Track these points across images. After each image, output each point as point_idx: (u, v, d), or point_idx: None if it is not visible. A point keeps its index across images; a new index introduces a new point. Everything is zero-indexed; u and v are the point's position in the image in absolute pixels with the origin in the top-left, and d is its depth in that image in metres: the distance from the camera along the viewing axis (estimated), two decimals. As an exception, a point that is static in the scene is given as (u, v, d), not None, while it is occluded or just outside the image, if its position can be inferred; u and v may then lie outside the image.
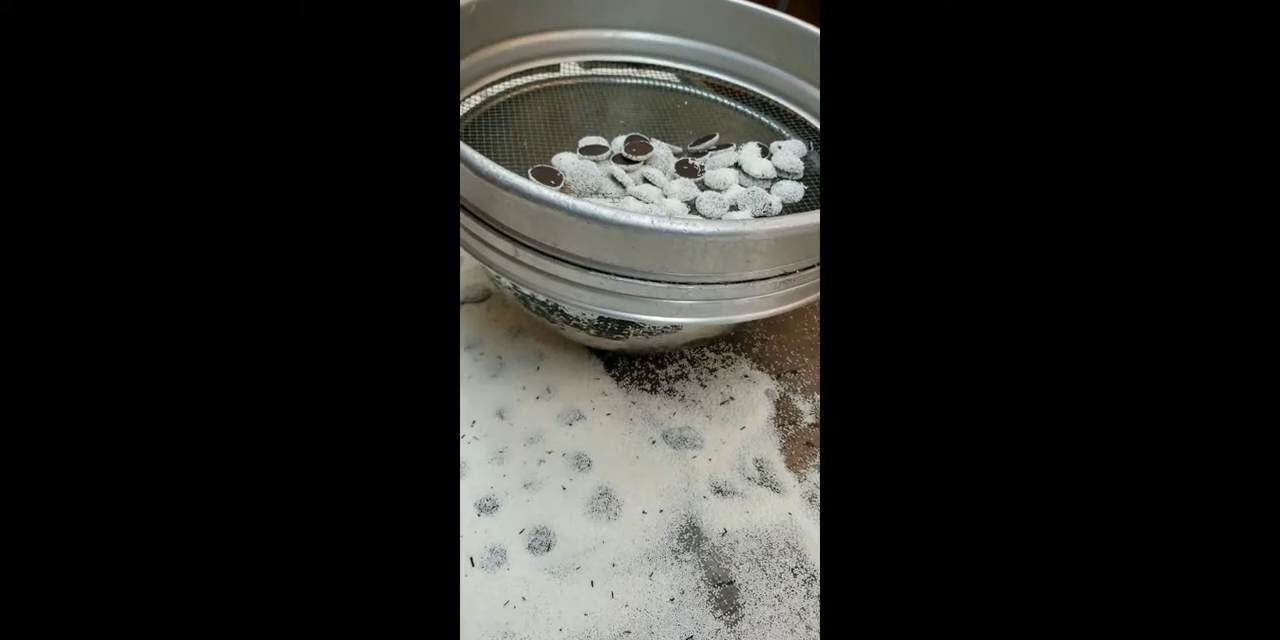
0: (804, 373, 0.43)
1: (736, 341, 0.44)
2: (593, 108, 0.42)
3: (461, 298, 0.43)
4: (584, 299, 0.29)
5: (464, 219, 0.29)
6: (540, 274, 0.28)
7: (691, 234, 0.25)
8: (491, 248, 0.29)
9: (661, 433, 0.38)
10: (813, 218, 0.26)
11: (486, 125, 0.39)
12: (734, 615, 0.31)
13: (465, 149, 0.26)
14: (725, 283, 0.28)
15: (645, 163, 0.37)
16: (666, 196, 0.35)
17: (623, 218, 0.25)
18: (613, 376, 0.40)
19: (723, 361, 0.42)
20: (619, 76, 0.45)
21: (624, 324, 0.33)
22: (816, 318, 0.47)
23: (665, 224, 0.25)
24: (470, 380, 0.38)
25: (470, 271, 0.45)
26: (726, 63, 0.44)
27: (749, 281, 0.28)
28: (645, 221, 0.25)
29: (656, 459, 0.36)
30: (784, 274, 0.29)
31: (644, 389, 0.40)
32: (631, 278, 0.27)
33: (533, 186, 0.25)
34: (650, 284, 0.28)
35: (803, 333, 0.46)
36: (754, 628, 0.31)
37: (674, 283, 0.28)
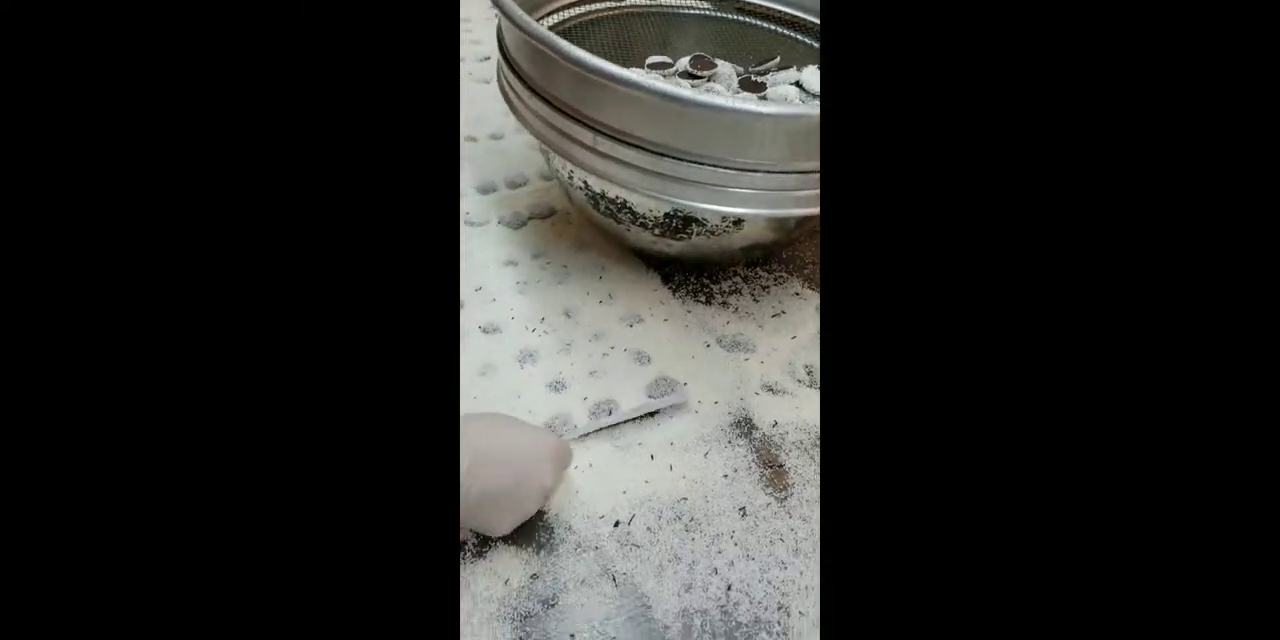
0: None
1: (790, 263, 0.46)
2: (658, 34, 0.44)
3: (528, 214, 0.46)
4: (654, 187, 0.31)
5: (547, 111, 0.32)
6: (617, 162, 0.31)
7: (762, 114, 0.27)
8: (571, 139, 0.32)
9: (716, 338, 0.40)
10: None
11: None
12: (784, 493, 0.33)
13: (554, 38, 0.29)
14: (788, 172, 0.30)
15: (709, 79, 0.38)
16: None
17: (699, 97, 0.27)
18: (669, 288, 0.42)
19: (775, 280, 0.44)
20: (683, 7, 0.47)
21: (688, 221, 0.35)
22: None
23: (738, 104, 0.27)
24: (539, 284, 0.41)
25: (537, 191, 0.48)
26: (788, -8, 0.46)
27: (809, 173, 0.30)
28: (719, 101, 0.27)
29: (712, 359, 0.38)
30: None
31: (699, 301, 0.42)
32: (701, 163, 0.29)
33: (617, 69, 0.27)
34: (720, 171, 0.30)
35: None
36: (803, 505, 0.33)
37: (742, 169, 0.29)
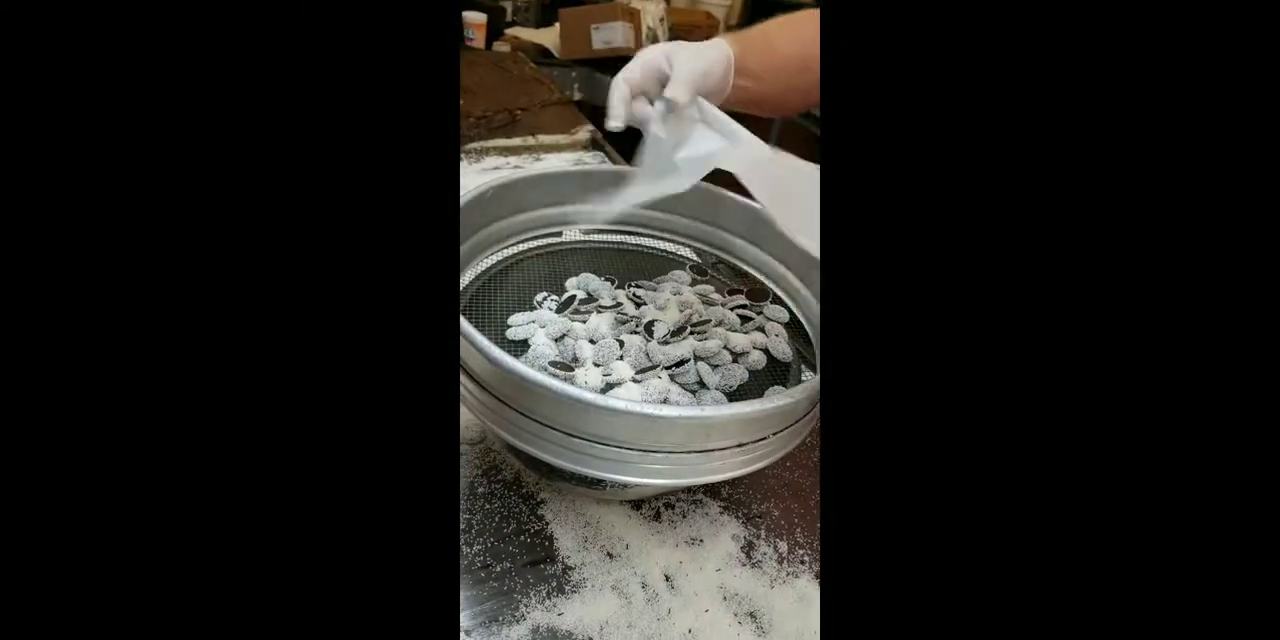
0: (770, 517, 0.46)
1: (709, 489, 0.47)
2: (589, 267, 0.49)
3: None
4: (570, 460, 0.33)
5: (467, 384, 0.34)
6: (537, 437, 0.33)
7: (657, 417, 0.30)
8: (490, 409, 0.34)
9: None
10: (770, 403, 0.31)
11: (495, 285, 0.45)
12: None
13: (469, 329, 0.31)
14: (688, 452, 0.32)
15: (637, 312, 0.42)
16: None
17: (602, 401, 0.30)
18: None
19: (694, 504, 0.46)
20: (614, 243, 0.52)
21: (601, 480, 0.37)
22: (778, 464, 0.51)
23: (634, 408, 0.30)
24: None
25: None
26: (706, 235, 0.51)
27: (710, 451, 0.33)
28: (619, 404, 0.29)
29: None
30: (740, 444, 0.33)
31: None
32: (608, 445, 0.32)
33: (535, 374, 0.30)
34: (625, 451, 0.32)
35: (767, 480, 0.49)
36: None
37: (645, 450, 0.32)
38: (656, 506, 0.45)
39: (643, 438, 0.31)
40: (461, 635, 0.36)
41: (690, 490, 0.47)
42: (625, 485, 0.38)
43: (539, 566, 0.40)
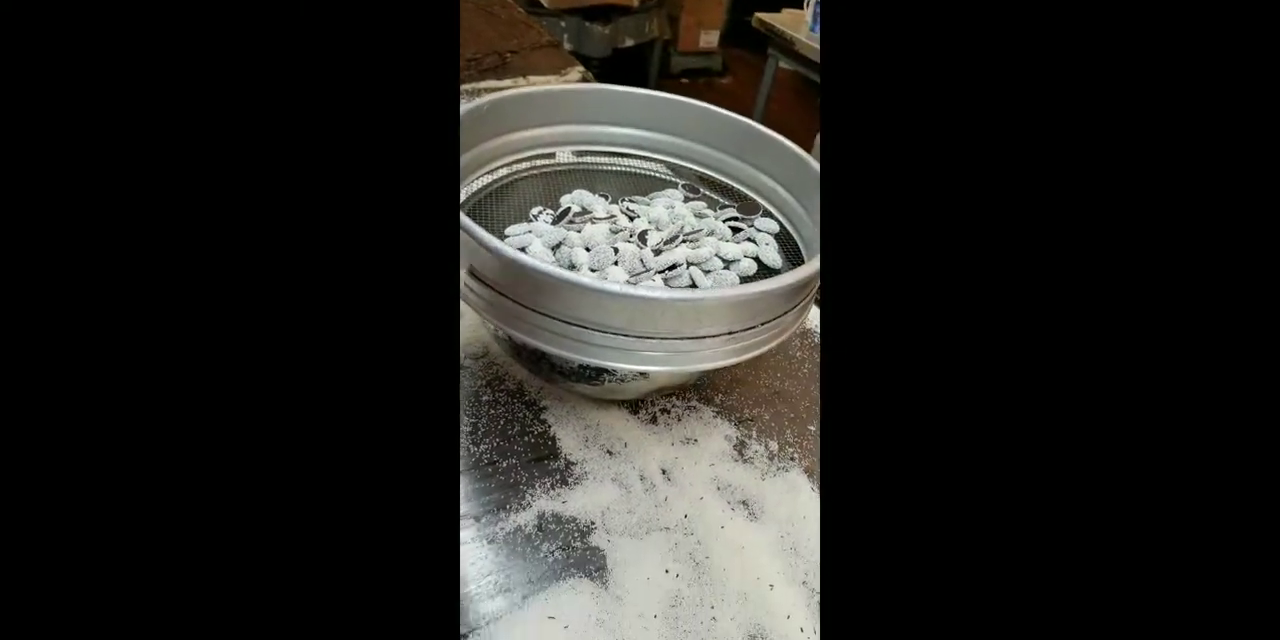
0: (760, 422, 0.48)
1: (700, 390, 0.50)
2: (583, 186, 0.50)
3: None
4: (568, 347, 0.35)
5: (469, 281, 0.36)
6: (536, 327, 0.35)
7: (650, 298, 0.31)
8: (491, 305, 0.35)
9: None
10: (756, 287, 0.33)
11: (491, 202, 0.46)
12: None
13: (469, 224, 0.33)
14: (682, 338, 0.34)
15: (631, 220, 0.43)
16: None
17: (596, 284, 0.31)
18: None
19: (688, 409, 0.48)
20: (606, 164, 0.53)
21: (600, 371, 0.39)
22: (768, 374, 0.53)
23: (629, 290, 0.31)
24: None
25: (471, 326, 0.51)
26: (696, 155, 0.52)
27: (703, 338, 0.35)
28: (613, 287, 0.31)
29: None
30: (730, 332, 0.35)
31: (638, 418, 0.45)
32: (605, 332, 0.34)
33: (528, 259, 0.32)
34: (622, 338, 0.34)
35: (758, 387, 0.51)
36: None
37: (640, 337, 0.34)
38: (653, 411, 0.47)
39: (637, 323, 0.33)
40: (471, 522, 0.39)
41: (684, 396, 0.49)
42: (622, 378, 0.40)
43: (543, 462, 0.43)
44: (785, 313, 0.38)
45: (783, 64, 1.75)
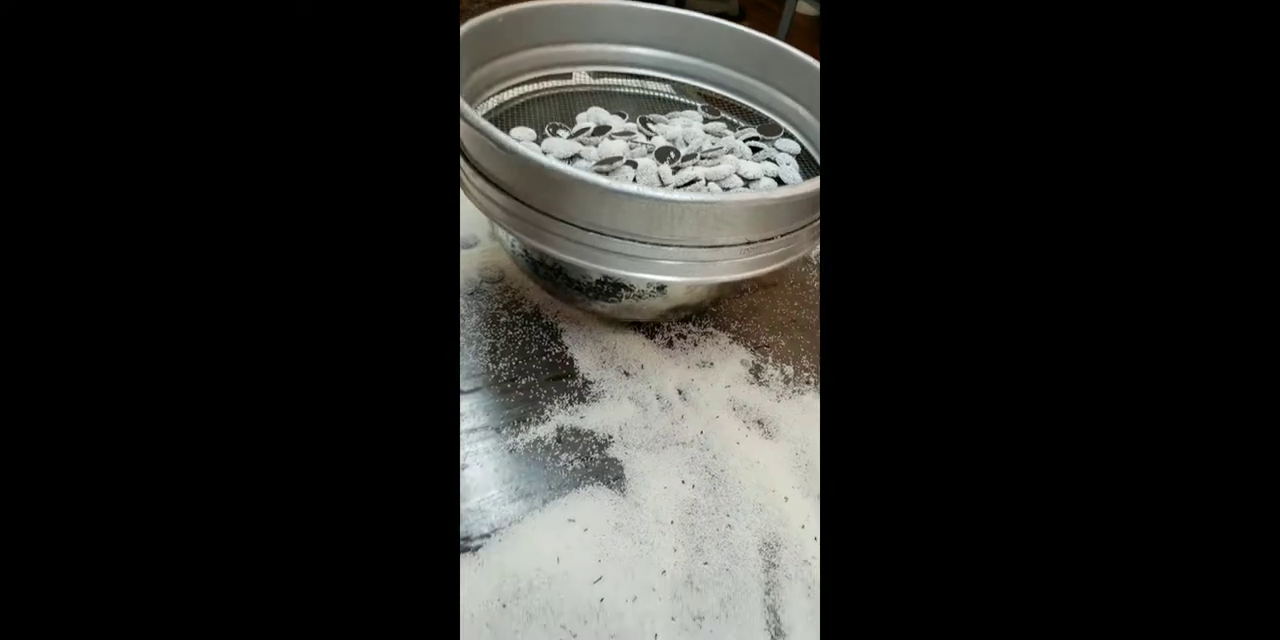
0: (775, 348, 0.48)
1: (717, 319, 0.50)
2: (600, 105, 0.49)
3: (480, 278, 0.49)
4: (584, 256, 0.34)
5: (490, 190, 0.36)
6: (551, 234, 0.34)
7: (669, 200, 0.31)
8: (511, 213, 0.35)
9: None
10: (776, 193, 0.32)
11: (505, 121, 0.46)
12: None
13: (485, 125, 0.32)
14: (700, 246, 0.34)
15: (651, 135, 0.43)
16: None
17: (614, 186, 0.31)
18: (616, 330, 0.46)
19: (704, 335, 0.48)
20: (645, 90, 0.52)
21: (618, 286, 0.39)
22: (785, 302, 0.53)
23: (647, 191, 0.31)
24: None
25: (488, 252, 0.51)
26: (716, 76, 0.51)
27: (721, 247, 0.34)
28: (630, 188, 0.31)
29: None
30: (748, 242, 0.35)
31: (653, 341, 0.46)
32: (622, 238, 0.33)
33: (545, 159, 0.31)
34: (639, 244, 0.33)
35: (774, 315, 0.51)
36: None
37: (658, 244, 0.33)
38: (669, 336, 0.47)
39: (654, 229, 0.33)
40: (492, 433, 0.40)
41: (700, 323, 0.49)
42: (639, 294, 0.40)
43: (561, 380, 0.43)
44: (804, 227, 0.37)
45: (800, 9, 1.69)
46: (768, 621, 0.33)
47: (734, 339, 0.48)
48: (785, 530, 0.37)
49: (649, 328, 0.48)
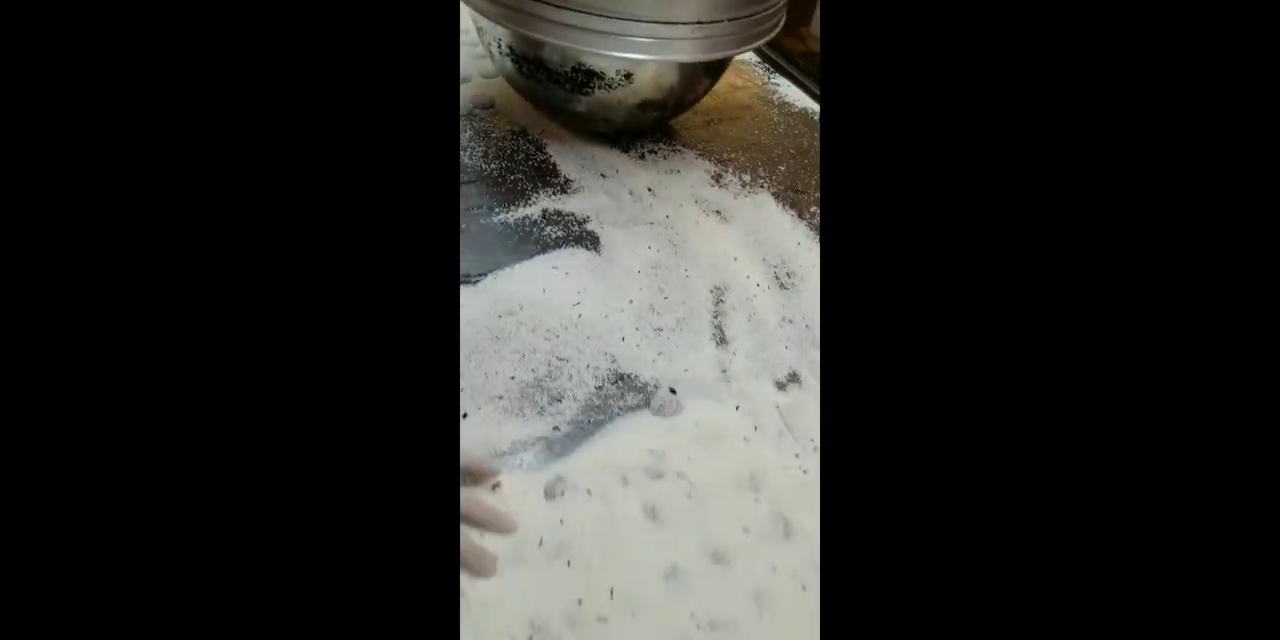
0: (735, 164, 0.55)
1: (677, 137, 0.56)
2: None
3: (472, 105, 0.55)
4: (560, 35, 0.41)
5: (476, -20, 0.41)
6: (530, 17, 0.41)
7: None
8: (501, 5, 0.41)
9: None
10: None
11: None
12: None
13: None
14: (670, 22, 0.40)
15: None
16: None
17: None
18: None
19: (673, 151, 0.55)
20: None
21: (590, 76, 0.45)
22: (746, 128, 0.59)
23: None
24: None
25: (478, 85, 0.57)
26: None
27: (674, 24, 0.40)
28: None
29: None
30: (699, 22, 0.41)
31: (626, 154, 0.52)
32: (593, 14, 0.39)
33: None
34: (612, 21, 0.40)
35: (735, 138, 0.58)
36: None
37: (629, 19, 0.40)
38: (642, 151, 0.54)
39: (619, 3, 0.39)
40: (485, 211, 0.46)
41: (669, 141, 0.55)
42: (609, 84, 0.46)
43: (545, 178, 0.50)
44: (752, 15, 0.43)
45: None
46: (713, 334, 0.41)
47: (700, 155, 0.55)
48: (733, 280, 0.44)
49: (624, 143, 0.54)
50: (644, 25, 0.40)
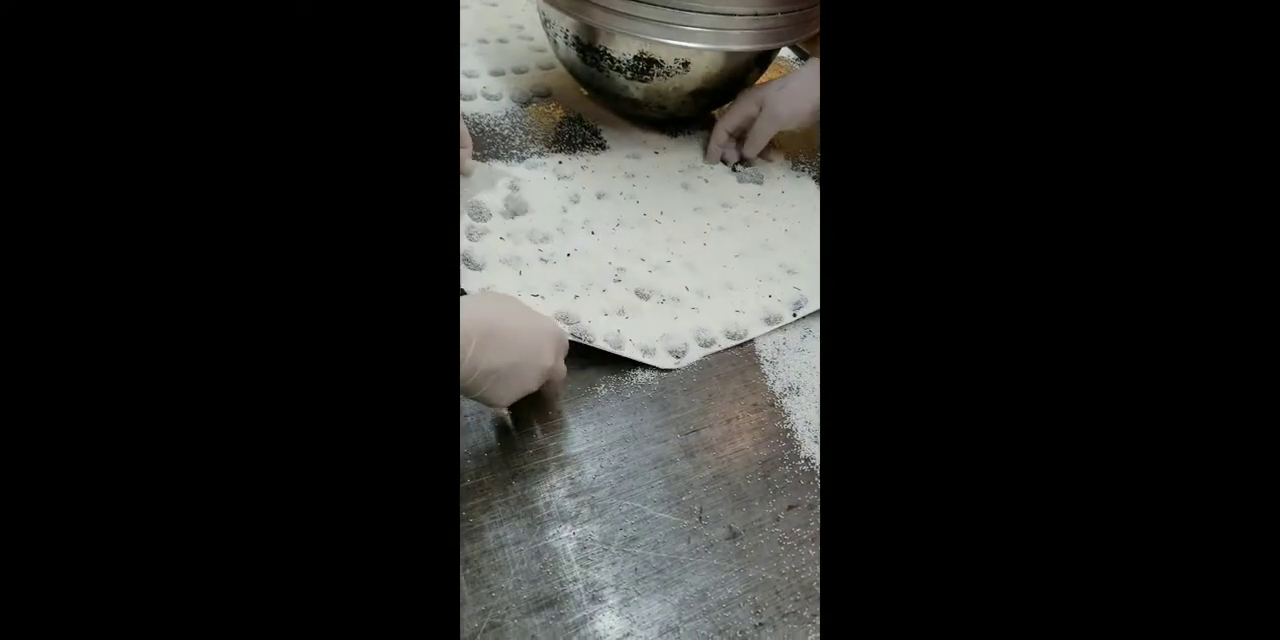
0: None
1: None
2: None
3: (531, 93, 0.59)
4: (622, 26, 0.44)
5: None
6: (595, 7, 0.44)
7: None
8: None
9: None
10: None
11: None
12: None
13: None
14: (726, 13, 0.44)
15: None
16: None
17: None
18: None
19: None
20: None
21: (650, 63, 0.49)
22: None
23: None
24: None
25: (534, 76, 0.61)
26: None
27: (744, 15, 0.44)
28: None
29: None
30: (755, 13, 0.44)
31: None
32: (655, 4, 0.43)
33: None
34: (672, 11, 0.43)
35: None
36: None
37: (689, 11, 0.43)
38: (689, 135, 0.57)
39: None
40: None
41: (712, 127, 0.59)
42: (668, 71, 0.49)
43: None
44: (802, 9, 0.46)
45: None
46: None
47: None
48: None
49: (671, 129, 0.57)
50: (704, 16, 0.44)
